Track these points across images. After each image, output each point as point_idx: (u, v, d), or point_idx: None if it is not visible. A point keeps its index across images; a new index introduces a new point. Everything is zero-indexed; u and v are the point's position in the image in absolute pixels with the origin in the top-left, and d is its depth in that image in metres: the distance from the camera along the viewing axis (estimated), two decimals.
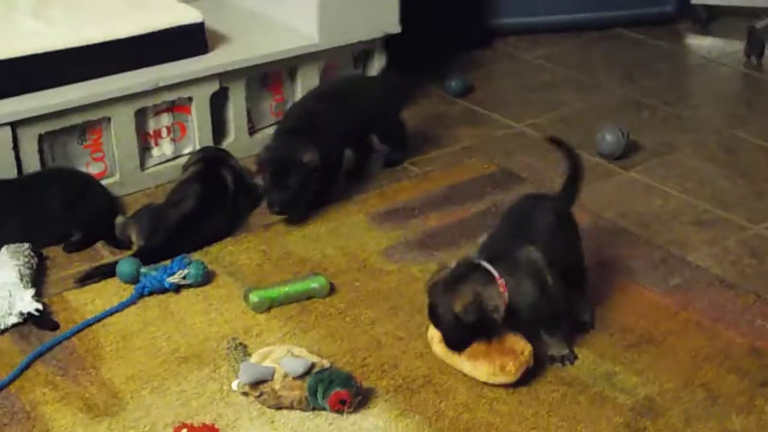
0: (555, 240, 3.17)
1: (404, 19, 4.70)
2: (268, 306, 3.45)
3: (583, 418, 2.97)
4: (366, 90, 4.38)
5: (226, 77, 4.34)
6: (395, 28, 4.70)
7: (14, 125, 3.93)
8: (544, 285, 3.06)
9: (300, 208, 3.94)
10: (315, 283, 3.52)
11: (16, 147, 3.96)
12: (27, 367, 3.23)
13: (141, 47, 4.20)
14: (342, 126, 4.08)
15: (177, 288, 3.55)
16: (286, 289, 3.50)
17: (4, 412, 3.05)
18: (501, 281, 2.99)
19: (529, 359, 3.09)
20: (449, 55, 5.45)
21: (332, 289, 3.55)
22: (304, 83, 4.57)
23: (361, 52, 4.75)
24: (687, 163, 4.42)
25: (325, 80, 4.57)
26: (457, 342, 3.06)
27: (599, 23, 5.79)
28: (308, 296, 3.51)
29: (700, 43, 5.78)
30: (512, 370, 3.07)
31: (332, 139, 4.04)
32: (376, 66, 4.77)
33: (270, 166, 3.86)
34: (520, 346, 3.10)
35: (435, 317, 3.06)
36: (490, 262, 3.03)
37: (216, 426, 2.91)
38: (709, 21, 5.86)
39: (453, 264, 3.09)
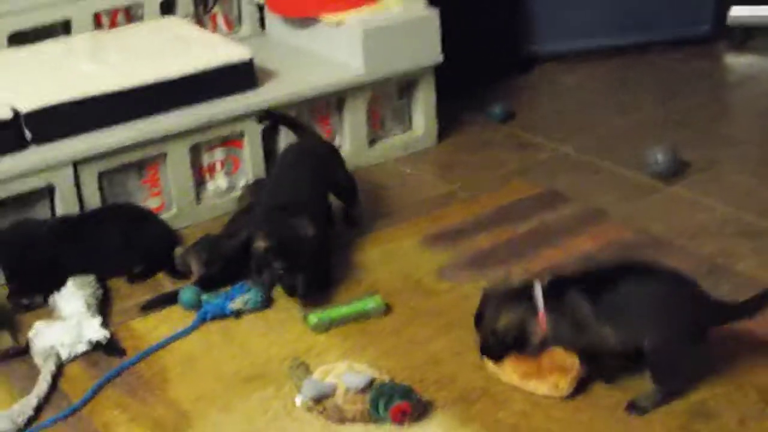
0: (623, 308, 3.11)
1: (447, 48, 4.80)
2: (327, 327, 3.56)
3: (637, 422, 3.04)
4: (319, 150, 4.26)
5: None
6: (438, 58, 4.81)
7: (75, 164, 4.07)
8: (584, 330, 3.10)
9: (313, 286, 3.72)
10: (372, 303, 3.62)
11: (77, 185, 4.10)
12: (97, 391, 3.35)
13: (193, 85, 4.33)
14: (319, 190, 4.05)
15: (238, 313, 3.66)
16: (344, 309, 3.60)
17: None
18: (542, 316, 3.09)
19: (578, 373, 3.18)
20: (491, 83, 5.55)
21: (388, 309, 3.65)
22: (352, 114, 4.69)
23: (406, 83, 4.86)
24: (730, 177, 4.49)
25: (282, 152, 4.40)
26: (490, 352, 3.18)
27: (637, 46, 5.87)
28: (365, 316, 3.61)
29: (737, 61, 5.86)
30: (564, 386, 3.15)
31: (317, 206, 3.97)
32: (422, 96, 4.88)
33: (279, 251, 3.63)
34: (568, 362, 3.19)
35: (477, 323, 3.18)
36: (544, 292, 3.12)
37: None
38: (745, 40, 5.92)
39: (515, 281, 3.21)
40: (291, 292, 3.64)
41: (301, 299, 3.65)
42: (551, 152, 4.84)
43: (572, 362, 3.17)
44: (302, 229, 3.64)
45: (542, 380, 3.17)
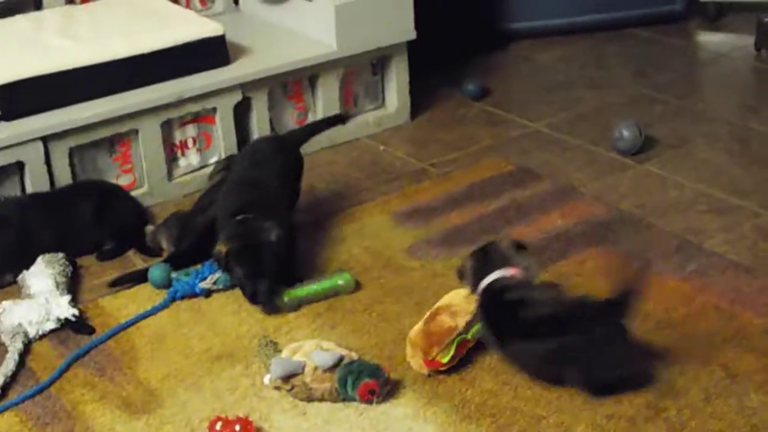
0: None
1: (420, 25, 4.80)
2: (297, 305, 3.56)
3: (605, 400, 3.05)
4: (293, 152, 4.06)
5: (248, 87, 4.45)
6: (411, 34, 4.80)
7: (45, 140, 4.06)
8: None
9: (275, 292, 3.56)
10: (341, 280, 3.62)
11: (48, 161, 4.08)
12: (66, 369, 3.34)
13: (165, 61, 4.31)
14: (286, 189, 3.89)
15: (208, 292, 3.65)
16: (314, 287, 3.60)
17: (46, 412, 3.16)
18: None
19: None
20: (465, 59, 5.55)
21: (358, 286, 3.65)
22: (325, 91, 4.68)
23: (380, 59, 4.85)
24: (700, 155, 4.51)
25: (251, 144, 4.29)
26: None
27: (611, 24, 5.88)
28: (335, 293, 3.61)
29: (710, 39, 5.88)
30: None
31: (281, 206, 3.80)
32: (395, 72, 4.87)
33: (239, 256, 3.50)
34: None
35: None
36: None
37: (249, 418, 3.01)
38: (718, 17, 5.95)
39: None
40: (252, 299, 3.50)
41: (263, 307, 3.53)
42: (524, 129, 4.85)
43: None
44: (265, 233, 3.52)
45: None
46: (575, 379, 3.04)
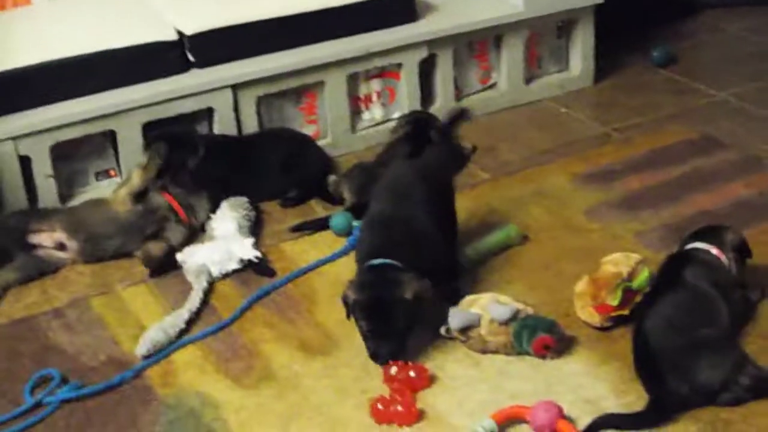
0: None
1: None
2: (480, 260, 3.58)
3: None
4: (421, 176, 3.46)
5: (434, 44, 4.48)
6: None
7: (235, 88, 4.16)
8: None
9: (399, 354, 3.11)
10: (512, 231, 3.67)
11: (236, 108, 4.18)
12: (247, 309, 3.45)
13: (354, 15, 4.39)
14: (429, 224, 3.31)
15: None
16: (492, 240, 3.64)
17: (227, 348, 3.28)
18: None
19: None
20: (653, 26, 5.48)
21: (535, 245, 3.67)
22: (510, 52, 4.69)
23: (566, 22, 4.83)
24: None
25: (379, 182, 3.57)
26: None
27: None
28: (508, 245, 3.64)
29: None
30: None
31: (429, 247, 3.27)
32: (581, 36, 4.84)
33: (366, 309, 3.09)
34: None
35: None
36: None
37: (425, 366, 3.05)
38: None
39: None
40: (373, 358, 3.09)
41: (381, 363, 3.09)
42: (710, 98, 4.77)
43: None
44: (400, 288, 3.07)
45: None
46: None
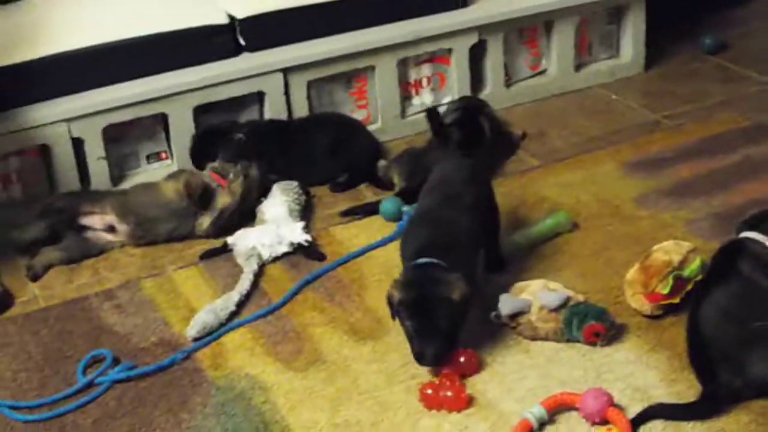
0: None
1: None
2: (529, 247, 3.58)
3: None
4: (471, 178, 3.44)
5: (484, 30, 4.48)
6: None
7: (285, 72, 4.18)
8: None
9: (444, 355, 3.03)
10: (562, 218, 3.67)
11: (286, 92, 4.20)
12: (297, 292, 3.47)
13: (404, 0, 4.39)
14: (474, 227, 3.29)
15: None
16: (540, 227, 3.64)
17: (277, 331, 3.30)
18: None
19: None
20: (704, 13, 5.45)
21: (585, 232, 3.66)
22: (560, 38, 4.68)
23: (617, 8, 4.81)
24: None
25: (429, 180, 3.50)
26: None
27: None
28: (557, 232, 3.64)
29: None
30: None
31: (471, 250, 3.28)
32: (631, 23, 4.82)
33: (411, 308, 3.00)
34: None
35: None
36: None
37: (474, 352, 3.06)
38: None
39: None
40: (417, 359, 3.01)
41: (426, 365, 3.03)
42: (761, 86, 4.74)
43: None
44: (448, 287, 2.99)
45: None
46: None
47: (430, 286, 2.99)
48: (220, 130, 4.10)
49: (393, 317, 3.06)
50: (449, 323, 2.98)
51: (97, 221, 3.80)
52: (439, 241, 3.14)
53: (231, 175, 3.86)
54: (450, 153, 3.90)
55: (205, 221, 3.80)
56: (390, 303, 3.03)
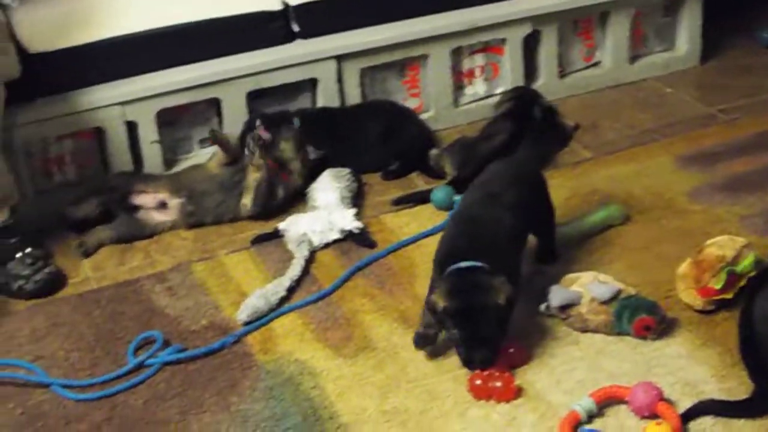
0: None
1: None
2: (575, 240, 3.56)
3: None
4: (515, 177, 3.39)
5: (538, 20, 4.46)
6: None
7: (339, 59, 4.18)
8: None
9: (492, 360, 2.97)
10: (614, 210, 3.65)
11: (339, 79, 4.20)
12: (347, 279, 3.48)
13: None
14: (517, 229, 3.23)
15: None
16: (592, 218, 3.62)
17: (327, 318, 3.31)
18: None
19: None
20: (761, 6, 5.39)
21: (636, 225, 3.64)
22: (615, 30, 4.65)
23: (671, 1, 4.78)
24: None
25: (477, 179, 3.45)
26: None
27: None
28: (609, 224, 3.62)
29: None
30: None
31: (512, 253, 3.20)
32: (687, 15, 4.78)
33: (458, 316, 2.93)
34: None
35: None
36: None
37: (523, 345, 3.06)
38: None
39: None
40: (467, 365, 2.97)
41: (475, 369, 2.97)
42: None
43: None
44: (493, 293, 2.93)
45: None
46: None
47: (475, 293, 2.92)
48: (273, 118, 4.10)
49: (437, 324, 3.01)
50: (496, 328, 2.94)
51: (149, 200, 3.83)
52: (475, 242, 3.08)
53: (247, 151, 3.90)
54: (499, 145, 3.92)
55: (247, 200, 3.82)
56: (433, 311, 2.97)
